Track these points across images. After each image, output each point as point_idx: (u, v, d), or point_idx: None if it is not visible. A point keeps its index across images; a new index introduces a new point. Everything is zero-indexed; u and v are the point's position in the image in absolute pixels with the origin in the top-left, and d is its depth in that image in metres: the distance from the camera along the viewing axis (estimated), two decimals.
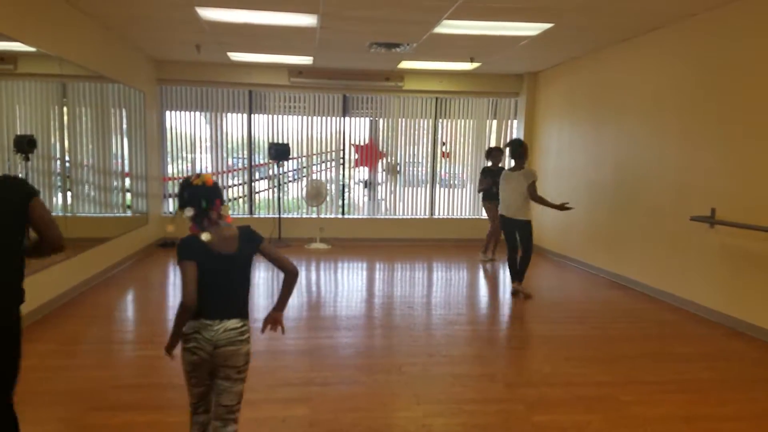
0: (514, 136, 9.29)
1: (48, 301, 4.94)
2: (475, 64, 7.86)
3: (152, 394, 3.33)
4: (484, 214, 9.25)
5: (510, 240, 5.90)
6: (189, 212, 2.17)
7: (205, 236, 2.13)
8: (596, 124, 7.12)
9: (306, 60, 7.88)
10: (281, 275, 2.41)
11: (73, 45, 5.50)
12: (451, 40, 6.42)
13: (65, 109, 5.77)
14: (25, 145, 4.97)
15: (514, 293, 5.83)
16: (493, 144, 9.27)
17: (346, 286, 6.40)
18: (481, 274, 7.17)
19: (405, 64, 8.06)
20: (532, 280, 6.60)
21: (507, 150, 5.95)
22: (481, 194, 7.73)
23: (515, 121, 9.26)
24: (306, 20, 5.66)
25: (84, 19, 5.67)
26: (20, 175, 3.91)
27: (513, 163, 5.84)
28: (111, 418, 3.03)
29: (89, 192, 6.32)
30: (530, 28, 5.85)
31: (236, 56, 7.71)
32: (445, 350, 4.19)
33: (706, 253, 5.18)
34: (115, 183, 7.08)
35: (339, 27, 5.90)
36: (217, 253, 2.17)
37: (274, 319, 2.41)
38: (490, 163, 7.57)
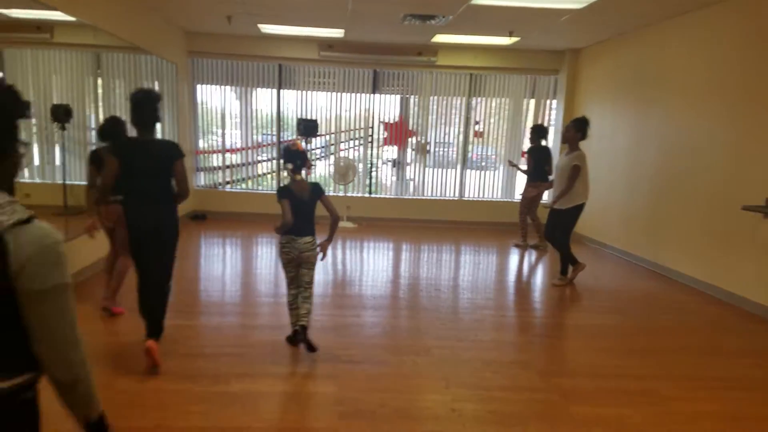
0: (553, 116, 8.95)
1: (88, 265, 4.94)
2: (514, 39, 7.53)
3: (182, 363, 3.27)
4: (517, 196, 9.03)
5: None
6: (289, 166, 3.46)
7: (299, 177, 3.48)
8: (641, 105, 6.77)
9: (337, 33, 7.68)
10: None
11: (108, 14, 5.43)
12: (489, 11, 6.13)
13: (99, 80, 5.75)
14: (62, 114, 4.96)
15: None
16: (530, 123, 8.97)
17: (372, 265, 6.27)
18: (513, 259, 6.96)
19: (439, 38, 7.78)
20: (553, 263, 6.38)
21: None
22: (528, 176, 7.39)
23: (554, 101, 8.92)
24: None
25: None
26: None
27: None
28: (141, 383, 3.00)
29: None
30: (575, 1, 5.54)
31: (267, 28, 7.55)
32: (475, 335, 4.04)
33: (758, 245, 4.87)
34: None
35: None
36: (299, 196, 3.43)
37: (324, 246, 3.52)
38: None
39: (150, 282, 3.35)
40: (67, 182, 5.13)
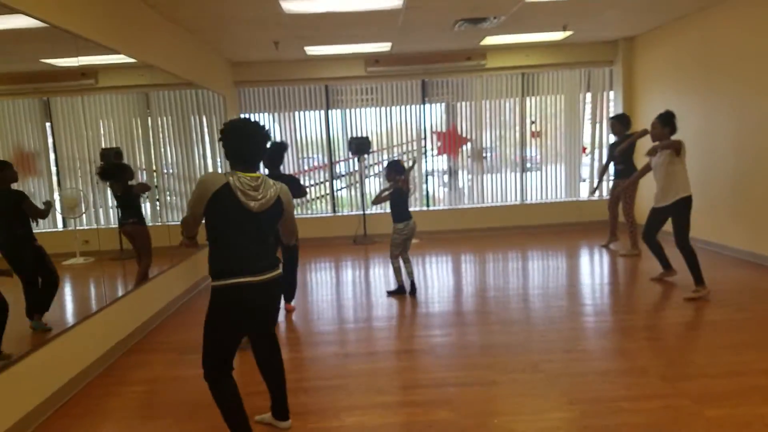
0: (611, 108, 8.61)
1: (161, 309, 4.96)
2: (567, 33, 7.29)
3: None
4: (582, 196, 8.70)
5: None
6: (399, 177, 5.00)
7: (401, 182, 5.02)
8: (710, 89, 6.40)
9: (384, 47, 7.62)
10: None
11: (163, 53, 5.50)
12: (542, 8, 5.94)
13: (149, 119, 5.80)
14: (112, 157, 4.95)
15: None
16: (588, 118, 8.68)
17: (446, 280, 6.08)
18: (585, 260, 6.66)
19: (488, 41, 7.61)
20: (647, 261, 6.05)
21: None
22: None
23: (611, 93, 8.58)
24: (391, 2, 5.38)
25: (166, 24, 5.64)
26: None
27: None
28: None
29: (176, 200, 6.34)
30: None
31: (313, 50, 7.56)
32: (580, 345, 3.80)
33: None
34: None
35: (425, 5, 5.58)
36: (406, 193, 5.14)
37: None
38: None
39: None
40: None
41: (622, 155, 6.43)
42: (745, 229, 5.93)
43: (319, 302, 5.34)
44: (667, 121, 4.93)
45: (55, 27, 3.63)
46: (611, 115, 7.63)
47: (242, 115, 8.57)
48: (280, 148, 4.81)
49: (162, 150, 5.95)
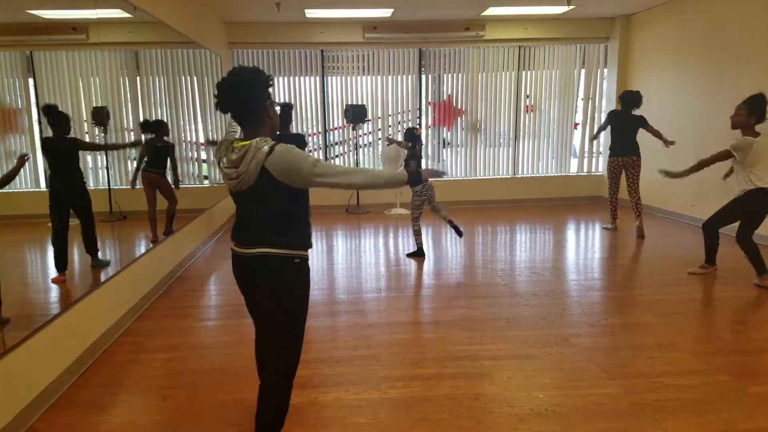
0: (605, 85, 8.64)
1: (167, 275, 4.78)
2: (571, 7, 7.21)
3: (318, 370, 3.07)
4: (571, 170, 8.77)
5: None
6: (411, 143, 5.30)
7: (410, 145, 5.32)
8: (710, 70, 6.47)
9: (385, 12, 7.38)
10: None
11: (166, 6, 5.17)
12: None
13: (137, 78, 5.49)
14: (104, 116, 4.71)
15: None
16: (581, 95, 8.70)
17: (450, 252, 6.05)
18: (578, 236, 6.75)
19: (490, 11, 7.47)
20: (650, 239, 6.17)
21: None
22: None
23: (605, 70, 8.61)
24: None
25: None
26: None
27: None
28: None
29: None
30: None
31: (313, 13, 7.26)
32: (603, 319, 3.83)
33: None
34: (191, 154, 6.81)
35: None
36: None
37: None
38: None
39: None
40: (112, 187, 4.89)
41: (627, 132, 6.34)
42: None
43: (326, 271, 5.22)
44: (755, 108, 4.23)
45: None
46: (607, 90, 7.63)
47: None
48: (286, 108, 4.91)
49: (150, 111, 5.65)
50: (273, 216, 2.05)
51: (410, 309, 4.14)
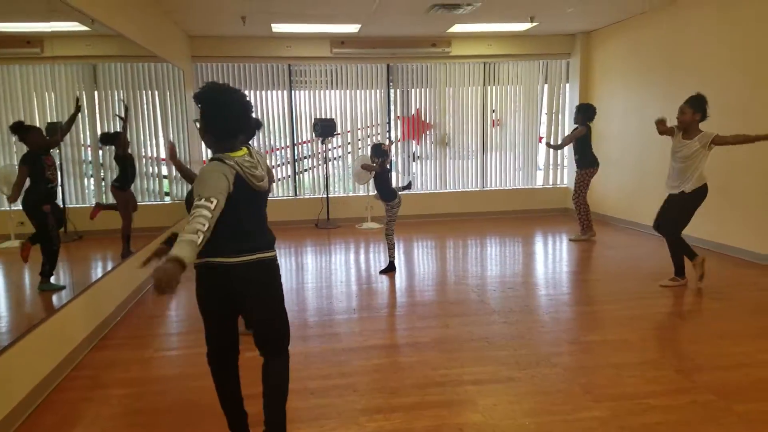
0: (567, 100, 8.79)
1: (123, 301, 4.49)
2: (534, 24, 7.31)
3: (296, 403, 2.89)
4: (538, 183, 8.88)
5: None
6: (380, 159, 5.12)
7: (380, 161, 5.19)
8: (667, 83, 6.64)
9: (352, 28, 7.31)
10: None
11: (127, 21, 4.96)
12: None
13: (95, 93, 5.25)
14: (58, 132, 4.50)
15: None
16: (545, 109, 8.83)
17: (422, 267, 5.95)
18: (548, 249, 6.77)
19: (456, 28, 7.50)
20: (606, 249, 6.23)
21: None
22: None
23: (567, 85, 8.75)
24: None
25: None
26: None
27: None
28: None
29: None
30: None
31: (279, 27, 7.13)
32: (582, 336, 3.79)
33: None
34: (152, 169, 6.52)
35: None
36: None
37: None
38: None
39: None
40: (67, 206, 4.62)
41: (577, 146, 6.66)
42: (705, 220, 6.18)
43: (297, 291, 5.03)
44: (698, 107, 4.45)
45: None
46: (577, 104, 7.75)
47: None
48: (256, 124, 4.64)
49: (109, 126, 5.39)
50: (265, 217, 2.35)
51: (386, 330, 4.01)
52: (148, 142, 6.30)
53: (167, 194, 6.98)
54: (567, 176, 9.00)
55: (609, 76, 7.96)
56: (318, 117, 8.11)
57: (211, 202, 1.93)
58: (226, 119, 2.13)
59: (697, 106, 4.47)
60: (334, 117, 8.23)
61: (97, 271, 4.34)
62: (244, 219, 2.19)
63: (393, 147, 8.55)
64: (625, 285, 5.00)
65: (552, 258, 6.36)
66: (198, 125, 2.19)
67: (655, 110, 6.85)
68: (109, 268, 4.46)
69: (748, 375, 3.12)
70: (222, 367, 2.39)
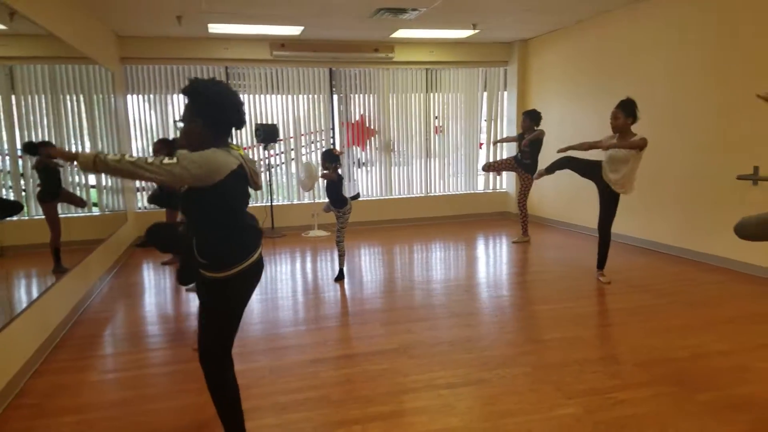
0: (506, 107, 9.06)
1: (60, 323, 4.12)
2: (475, 31, 7.48)
3: (266, 420, 2.74)
4: (479, 188, 9.06)
5: None
6: (333, 164, 5.11)
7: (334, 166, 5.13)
8: (600, 91, 6.99)
9: (294, 30, 7.16)
10: None
11: (55, 17, 4.57)
12: (462, 4, 6.01)
13: (12, 97, 4.80)
14: None
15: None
16: (485, 116, 9.05)
17: (374, 273, 5.89)
18: (495, 251, 6.93)
19: (398, 34, 7.54)
20: (547, 250, 6.46)
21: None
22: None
23: (505, 93, 9.02)
24: None
25: None
26: None
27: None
28: None
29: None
30: None
31: (216, 28, 6.87)
32: (539, 335, 3.88)
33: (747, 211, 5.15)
34: (78, 179, 6.05)
35: None
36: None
37: None
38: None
39: None
40: None
41: (530, 150, 6.76)
42: (640, 219, 6.55)
43: (251, 303, 4.80)
44: (629, 111, 4.65)
45: None
46: (523, 110, 7.98)
47: (129, 96, 7.55)
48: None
49: (30, 133, 4.93)
50: None
51: (351, 339, 3.91)
52: (75, 149, 5.84)
53: (95, 205, 6.50)
54: (506, 181, 9.26)
55: (545, 83, 8.28)
56: (259, 122, 7.88)
57: (178, 166, 1.91)
58: (236, 110, 2.17)
59: (628, 109, 4.65)
60: (276, 122, 8.03)
61: (32, 291, 3.95)
62: (246, 213, 2.27)
63: (341, 153, 8.45)
64: (570, 284, 5.17)
65: (499, 260, 6.49)
66: (182, 126, 2.12)
67: (589, 116, 7.26)
68: (43, 288, 4.08)
69: (702, 366, 3.28)
70: (231, 365, 2.36)
